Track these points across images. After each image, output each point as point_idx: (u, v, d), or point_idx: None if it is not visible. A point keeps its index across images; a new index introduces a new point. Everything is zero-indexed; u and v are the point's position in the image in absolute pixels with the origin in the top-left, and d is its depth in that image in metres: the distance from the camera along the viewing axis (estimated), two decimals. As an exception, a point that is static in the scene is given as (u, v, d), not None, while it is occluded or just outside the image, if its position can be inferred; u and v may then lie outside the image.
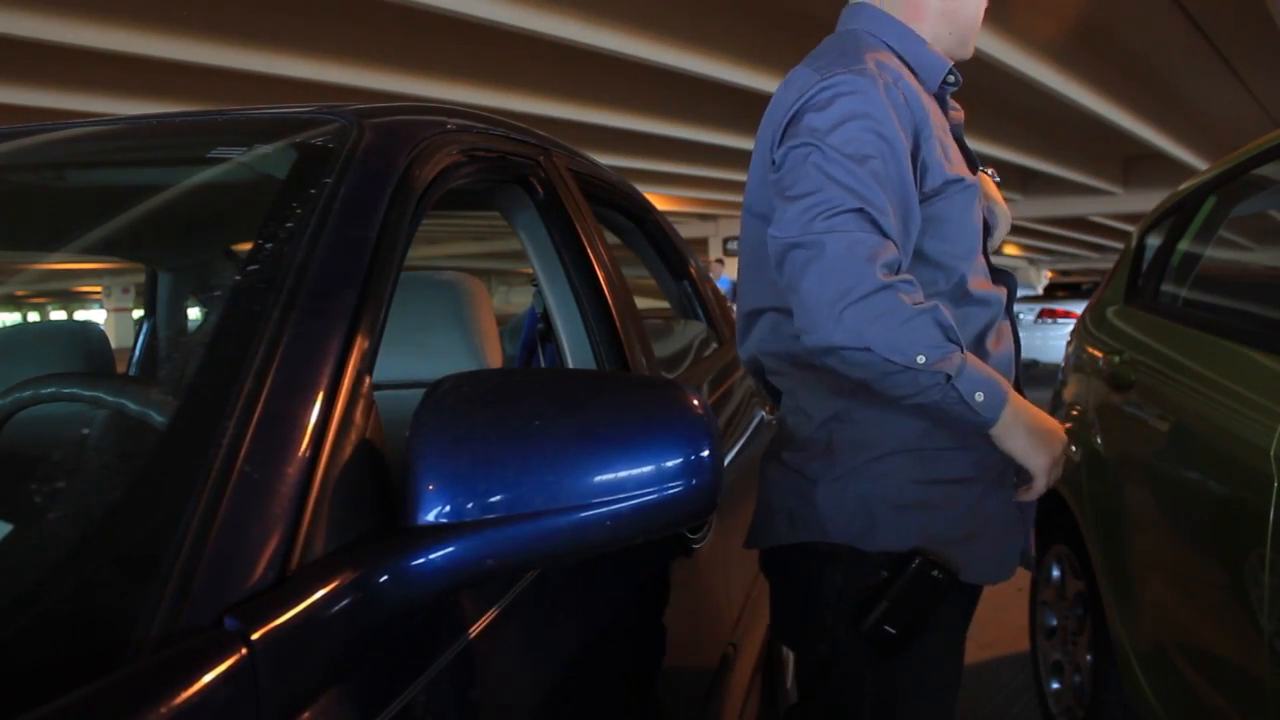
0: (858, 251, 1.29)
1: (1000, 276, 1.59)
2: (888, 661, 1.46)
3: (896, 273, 1.33)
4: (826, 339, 1.30)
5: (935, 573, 1.42)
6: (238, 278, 1.00)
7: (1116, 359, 2.75)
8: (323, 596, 0.77)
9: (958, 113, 1.62)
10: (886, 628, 1.42)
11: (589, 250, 1.68)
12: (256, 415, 0.84)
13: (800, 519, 1.51)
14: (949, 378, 1.32)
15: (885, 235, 1.33)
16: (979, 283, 1.53)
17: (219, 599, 0.72)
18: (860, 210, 1.32)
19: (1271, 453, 1.75)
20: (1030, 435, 1.41)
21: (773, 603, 1.63)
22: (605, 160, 2.47)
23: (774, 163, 1.45)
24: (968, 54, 1.60)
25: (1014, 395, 1.41)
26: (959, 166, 1.49)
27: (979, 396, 1.34)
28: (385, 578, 0.84)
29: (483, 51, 9.91)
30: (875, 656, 1.45)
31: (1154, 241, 3.08)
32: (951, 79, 1.56)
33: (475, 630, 1.00)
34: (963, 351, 1.34)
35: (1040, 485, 1.45)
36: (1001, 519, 1.55)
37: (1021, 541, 1.60)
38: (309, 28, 9.12)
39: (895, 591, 1.42)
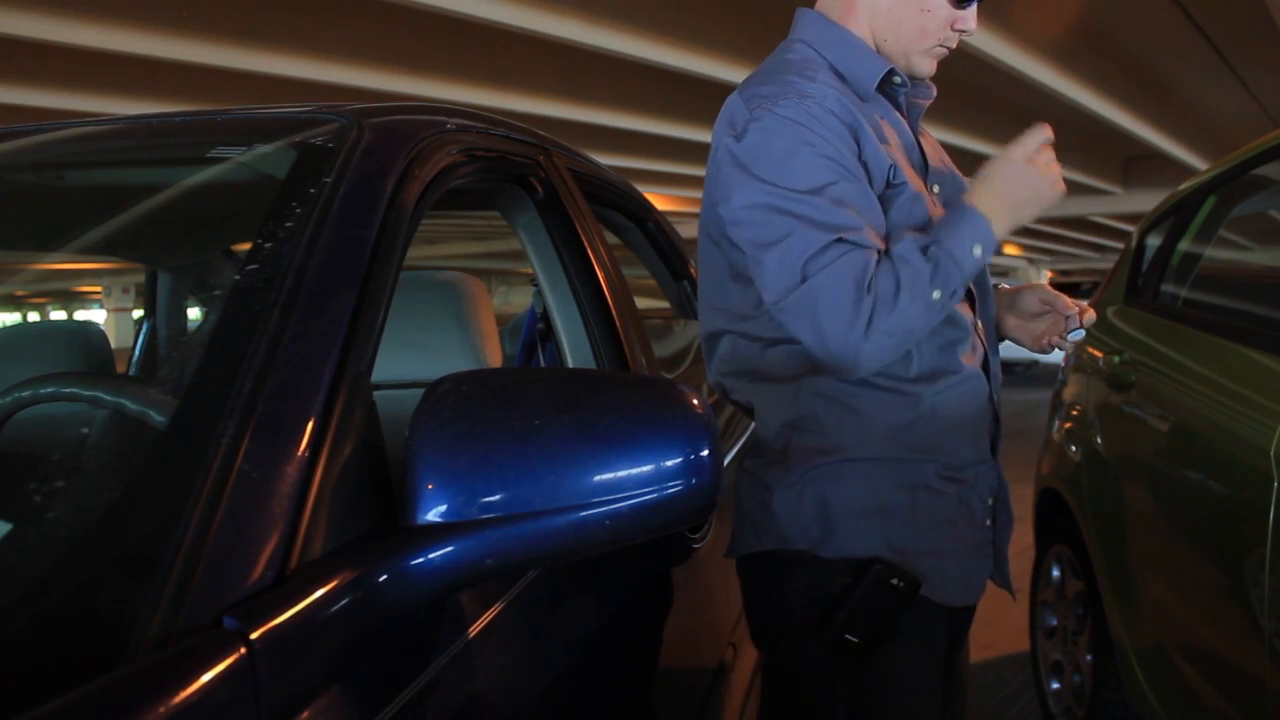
0: (846, 280, 1.31)
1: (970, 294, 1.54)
2: (857, 669, 1.43)
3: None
4: (870, 365, 1.35)
5: (895, 580, 1.40)
6: (237, 277, 1.00)
7: (1116, 359, 2.75)
8: (322, 596, 0.77)
9: (923, 100, 1.58)
10: (848, 636, 1.40)
11: (589, 250, 1.67)
12: (256, 415, 0.84)
13: (762, 526, 1.49)
14: (960, 277, 1.36)
15: (867, 248, 1.33)
16: None
17: (218, 599, 0.72)
18: (838, 241, 1.32)
19: (1272, 452, 1.76)
20: (1027, 205, 1.42)
21: (746, 610, 1.61)
22: (605, 160, 2.47)
23: (724, 201, 1.43)
24: (916, 70, 1.53)
25: (984, 206, 1.39)
26: (904, 175, 1.46)
27: (978, 251, 1.38)
28: (384, 577, 0.84)
29: (482, 51, 9.90)
30: (845, 664, 1.42)
31: (1154, 241, 3.08)
32: (898, 79, 1.51)
33: (475, 630, 1.00)
34: (939, 243, 1.36)
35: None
36: (970, 541, 1.52)
37: (990, 565, 1.57)
38: (309, 27, 9.12)
39: (855, 599, 1.40)
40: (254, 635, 0.70)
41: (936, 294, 1.34)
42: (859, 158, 1.40)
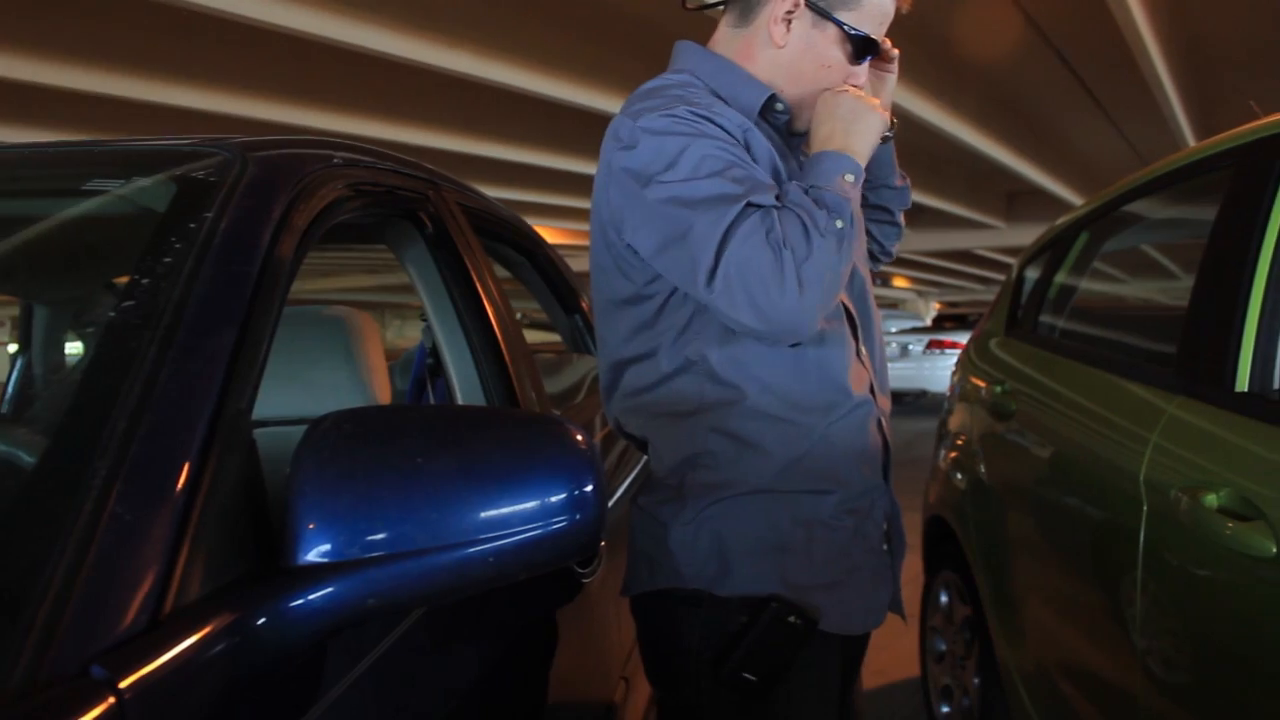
0: (758, 243, 1.30)
1: (850, 311, 1.55)
2: (755, 708, 1.43)
3: None
4: (814, 322, 1.34)
5: (792, 618, 1.40)
6: (112, 314, 0.97)
7: (998, 389, 2.84)
8: (197, 641, 0.76)
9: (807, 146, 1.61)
10: (745, 674, 1.39)
11: (478, 285, 1.67)
12: (130, 455, 0.82)
13: (658, 564, 1.48)
14: (849, 203, 1.39)
15: (766, 207, 1.33)
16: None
17: (86, 646, 0.70)
18: (747, 205, 1.32)
19: (1141, 478, 1.83)
20: (864, 133, 1.47)
21: (641, 649, 1.59)
22: (498, 194, 2.47)
23: (620, 219, 1.43)
24: (807, 121, 1.56)
25: (832, 142, 1.44)
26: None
27: (849, 178, 1.41)
28: (263, 620, 0.82)
29: (375, 83, 9.81)
30: (742, 703, 1.42)
31: (1032, 275, 3.19)
32: (779, 106, 1.54)
33: (358, 672, 0.99)
34: (814, 189, 1.38)
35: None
36: (869, 569, 1.53)
37: (890, 589, 1.59)
38: (199, 56, 8.93)
39: (752, 638, 1.39)
40: (124, 684, 0.68)
41: (839, 223, 1.35)
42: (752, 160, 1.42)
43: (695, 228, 1.32)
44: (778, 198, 1.37)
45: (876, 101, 1.50)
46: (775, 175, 1.46)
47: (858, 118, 1.47)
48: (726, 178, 1.34)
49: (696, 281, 1.33)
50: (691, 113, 1.39)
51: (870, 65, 1.58)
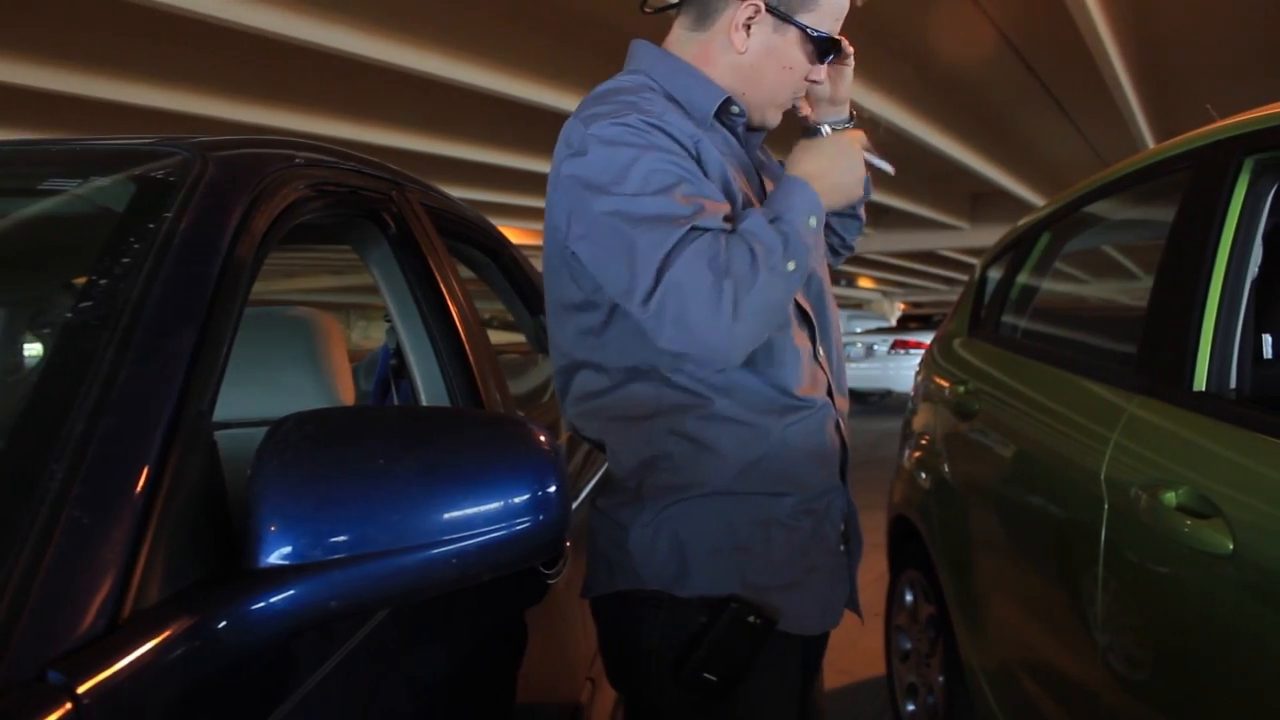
0: (700, 266, 1.28)
1: (808, 314, 1.55)
2: (716, 708, 1.43)
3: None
4: (742, 351, 1.34)
5: (752, 618, 1.40)
6: (69, 315, 0.96)
7: (961, 389, 2.86)
8: (157, 645, 0.75)
9: (762, 153, 1.63)
10: (706, 675, 1.39)
11: (442, 286, 1.66)
12: (87, 458, 0.81)
13: (617, 566, 1.48)
14: (808, 249, 1.38)
15: (715, 230, 1.32)
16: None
17: (43, 651, 0.69)
18: (691, 229, 1.30)
19: (1102, 476, 1.85)
20: (842, 186, 1.47)
21: (602, 651, 1.59)
22: (464, 194, 2.46)
23: (566, 225, 1.42)
24: (767, 122, 1.58)
25: (810, 179, 1.42)
26: (744, 200, 1.47)
27: (813, 222, 1.40)
28: (225, 623, 0.81)
29: (341, 83, 9.74)
30: (703, 703, 1.42)
31: (995, 275, 3.21)
32: (735, 109, 1.53)
33: (321, 674, 0.98)
34: (781, 218, 1.37)
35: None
36: (826, 569, 1.54)
37: (847, 590, 1.60)
38: (162, 54, 8.83)
39: (712, 638, 1.39)
40: (81, 689, 0.67)
41: (791, 265, 1.34)
42: (703, 174, 1.41)
43: (638, 246, 1.31)
44: (728, 218, 1.37)
45: (864, 175, 1.52)
46: (726, 188, 1.45)
47: (851, 176, 1.48)
48: (674, 195, 1.33)
49: (633, 299, 1.32)
50: (644, 122, 1.38)
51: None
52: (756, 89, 1.54)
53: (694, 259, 1.28)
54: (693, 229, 1.30)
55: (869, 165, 1.55)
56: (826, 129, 1.56)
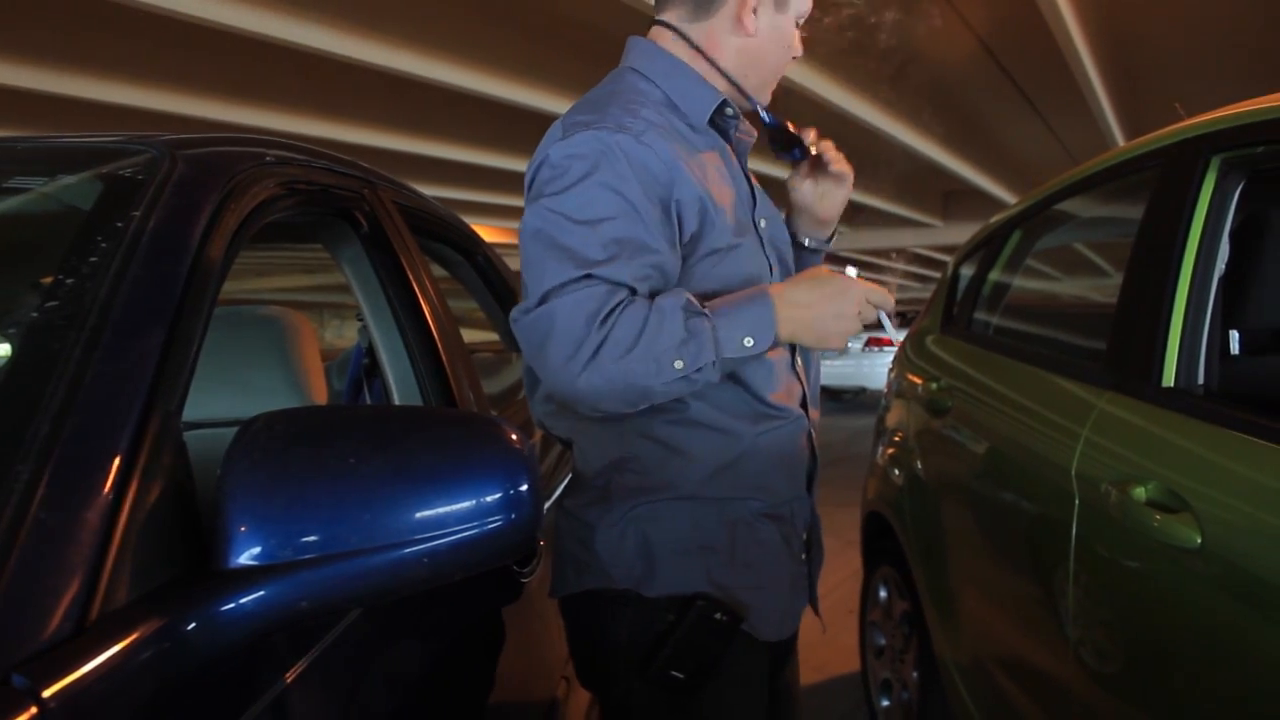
0: (579, 312, 1.28)
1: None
2: (684, 705, 1.44)
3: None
4: (586, 402, 1.32)
5: (718, 615, 1.41)
6: (35, 314, 0.95)
7: (934, 385, 2.87)
8: (125, 647, 0.74)
9: (748, 136, 1.62)
10: (674, 672, 1.40)
11: (415, 285, 1.66)
12: (54, 458, 0.81)
13: (585, 566, 1.48)
14: (714, 361, 1.33)
15: (616, 285, 1.31)
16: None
17: (7, 654, 0.68)
18: (587, 276, 1.30)
19: (1073, 471, 1.86)
20: (816, 328, 1.41)
21: (571, 650, 1.60)
22: (438, 193, 2.45)
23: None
24: (762, 100, 1.59)
25: (782, 303, 1.38)
26: (721, 230, 1.44)
27: (748, 343, 1.35)
28: (194, 624, 0.81)
29: (319, 82, 9.69)
30: (671, 701, 1.43)
31: (967, 272, 3.23)
32: (729, 111, 1.54)
33: (293, 675, 0.98)
34: (708, 317, 1.33)
35: (853, 330, 1.44)
36: (789, 576, 1.56)
37: (806, 598, 1.62)
38: (131, 51, 8.75)
39: (680, 635, 1.40)
40: (47, 693, 0.67)
41: (679, 364, 1.30)
42: (670, 197, 1.39)
43: (546, 266, 1.32)
44: (656, 265, 1.35)
45: (854, 333, 1.47)
46: (701, 205, 1.41)
47: (837, 326, 1.43)
48: (597, 232, 1.32)
49: (522, 304, 1.34)
50: (613, 142, 1.36)
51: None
52: (759, 70, 1.56)
53: (577, 305, 1.28)
54: (592, 277, 1.30)
55: (874, 322, 1.49)
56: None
